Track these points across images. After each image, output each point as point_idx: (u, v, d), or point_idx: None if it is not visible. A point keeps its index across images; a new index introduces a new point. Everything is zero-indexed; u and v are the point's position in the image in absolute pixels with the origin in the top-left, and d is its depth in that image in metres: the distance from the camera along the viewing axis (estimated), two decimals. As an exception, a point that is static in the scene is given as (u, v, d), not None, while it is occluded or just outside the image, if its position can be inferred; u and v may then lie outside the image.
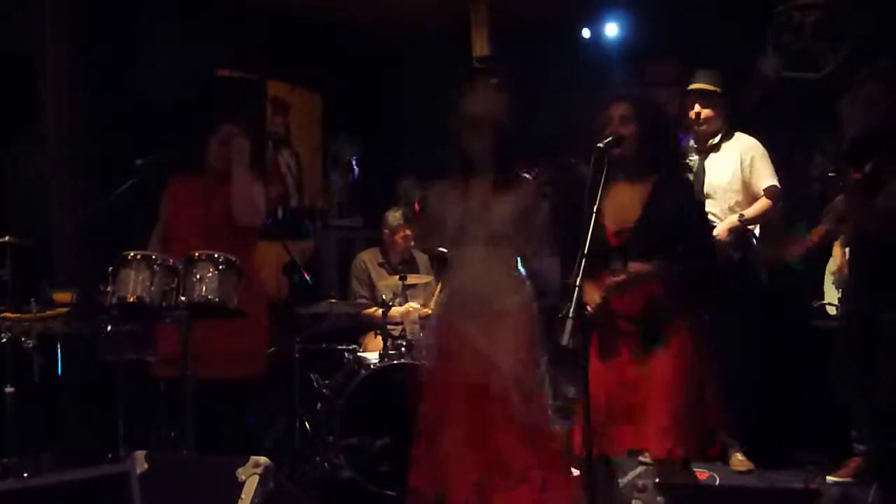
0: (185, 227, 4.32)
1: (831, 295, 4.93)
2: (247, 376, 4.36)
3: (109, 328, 4.58)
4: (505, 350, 3.78)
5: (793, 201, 5.35)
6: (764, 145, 5.18)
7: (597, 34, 6.54)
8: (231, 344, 4.15)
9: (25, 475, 4.25)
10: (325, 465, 4.93)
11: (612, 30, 6.46)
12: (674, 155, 3.65)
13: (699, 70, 5.24)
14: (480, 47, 6.19)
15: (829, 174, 5.09)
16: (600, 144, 3.45)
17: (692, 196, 3.70)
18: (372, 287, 5.67)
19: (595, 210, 3.27)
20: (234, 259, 3.90)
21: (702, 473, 4.78)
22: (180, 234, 4.33)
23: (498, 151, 3.86)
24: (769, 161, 5.13)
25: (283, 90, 6.85)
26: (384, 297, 5.31)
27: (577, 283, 3.15)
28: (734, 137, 5.16)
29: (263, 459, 2.80)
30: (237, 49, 6.29)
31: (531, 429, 3.75)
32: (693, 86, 5.17)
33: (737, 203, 5.08)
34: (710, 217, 4.94)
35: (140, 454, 2.98)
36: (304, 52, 6.70)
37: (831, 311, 4.90)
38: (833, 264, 4.94)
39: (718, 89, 5.14)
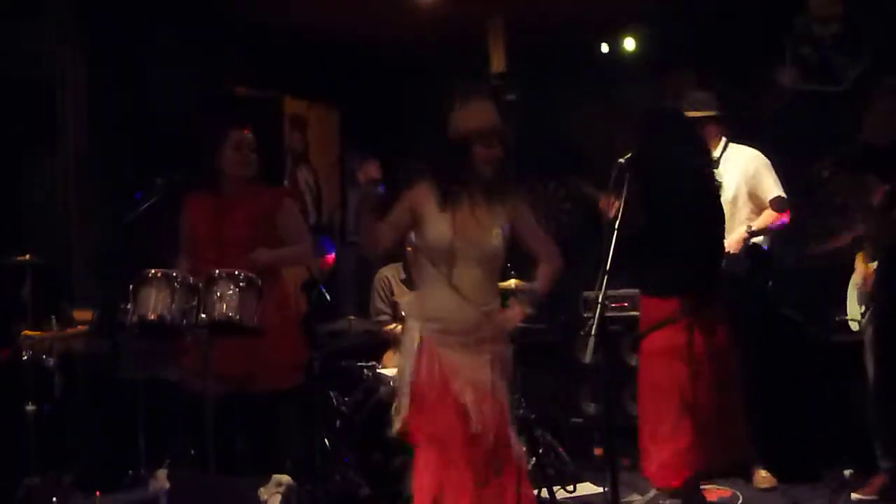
0: (204, 244, 4.31)
1: (854, 310, 4.90)
2: (290, 387, 4.38)
3: (129, 346, 4.60)
4: (493, 377, 3.65)
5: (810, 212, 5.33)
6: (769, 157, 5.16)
7: (614, 49, 6.53)
8: (276, 356, 4.19)
9: (55, 500, 4.25)
10: (344, 482, 4.91)
11: (629, 44, 6.45)
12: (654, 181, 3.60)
13: (690, 94, 5.16)
14: (498, 63, 6.19)
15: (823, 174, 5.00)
16: (621, 160, 3.45)
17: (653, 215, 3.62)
18: (394, 303, 5.65)
19: (617, 226, 3.26)
20: (254, 277, 3.90)
21: (725, 491, 4.74)
22: (199, 251, 4.31)
23: (502, 164, 3.70)
24: (772, 171, 5.08)
25: (300, 107, 6.88)
26: (405, 313, 5.29)
27: (599, 299, 3.13)
28: (731, 149, 5.12)
29: (286, 478, 2.80)
30: (255, 67, 6.32)
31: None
32: (689, 114, 4.97)
33: (749, 213, 5.05)
34: None
35: (161, 473, 2.98)
36: (322, 69, 6.72)
37: (854, 326, 4.85)
38: (857, 277, 4.90)
39: (712, 113, 5.04)
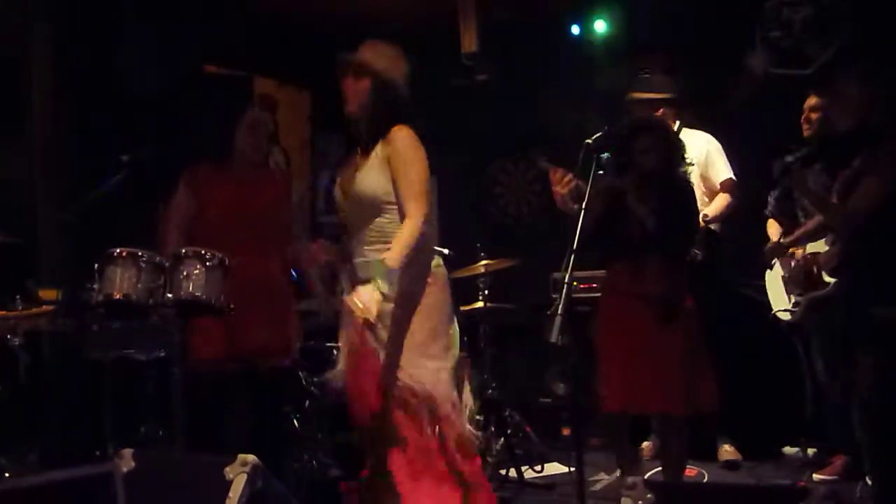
0: (226, 219, 4.21)
1: (781, 301, 4.91)
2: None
3: (96, 326, 4.57)
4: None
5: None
6: (721, 141, 5.23)
7: (586, 31, 6.54)
8: (284, 333, 4.31)
9: (7, 475, 4.21)
10: (314, 463, 4.91)
11: (600, 26, 6.46)
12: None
13: (646, 78, 5.24)
14: (469, 44, 6.17)
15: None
16: (588, 141, 3.44)
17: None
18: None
19: (584, 206, 3.27)
20: (221, 256, 3.88)
21: (690, 470, 4.79)
22: (222, 224, 4.19)
23: (372, 107, 3.58)
24: (724, 154, 5.18)
25: (270, 87, 6.83)
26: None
27: (566, 279, 3.14)
28: (684, 133, 5.12)
29: (251, 458, 2.78)
30: (225, 46, 6.26)
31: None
32: (638, 95, 5.16)
33: (701, 196, 5.08)
34: None
35: (127, 452, 2.96)
36: (292, 49, 6.68)
37: (785, 316, 4.87)
38: (784, 270, 4.91)
39: (668, 95, 5.12)
